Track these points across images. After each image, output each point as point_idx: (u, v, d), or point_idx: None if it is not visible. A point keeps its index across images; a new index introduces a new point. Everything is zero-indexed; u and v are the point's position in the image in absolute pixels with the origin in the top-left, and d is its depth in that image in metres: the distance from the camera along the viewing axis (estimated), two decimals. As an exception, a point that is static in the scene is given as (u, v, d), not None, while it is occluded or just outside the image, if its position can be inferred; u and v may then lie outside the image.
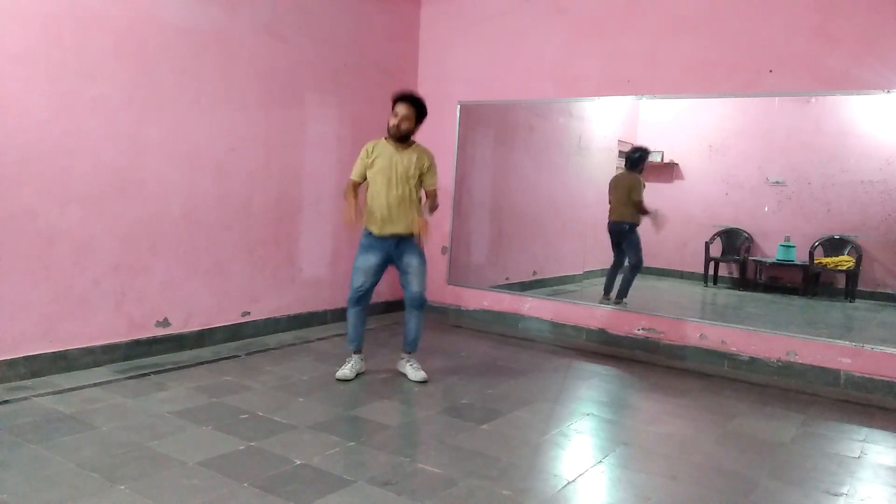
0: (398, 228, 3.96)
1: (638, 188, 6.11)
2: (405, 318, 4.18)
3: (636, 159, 6.18)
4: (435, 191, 4.12)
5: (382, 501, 2.56)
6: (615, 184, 6.21)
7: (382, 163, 3.96)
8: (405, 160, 3.97)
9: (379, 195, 3.95)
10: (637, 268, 6.01)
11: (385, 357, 4.69)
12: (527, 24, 5.64)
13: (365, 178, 4.02)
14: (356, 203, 3.89)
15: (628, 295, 5.93)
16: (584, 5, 5.39)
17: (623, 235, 6.04)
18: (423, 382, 4.08)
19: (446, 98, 6.10)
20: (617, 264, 6.10)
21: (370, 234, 4.01)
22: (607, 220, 6.17)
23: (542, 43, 5.58)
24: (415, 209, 4.01)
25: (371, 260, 4.01)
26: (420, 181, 4.04)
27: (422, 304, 4.11)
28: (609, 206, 6.19)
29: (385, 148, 4.00)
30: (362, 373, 4.20)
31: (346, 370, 4.08)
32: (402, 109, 3.92)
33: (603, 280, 6.22)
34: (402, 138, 3.97)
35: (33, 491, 2.49)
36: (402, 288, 4.13)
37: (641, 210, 6.08)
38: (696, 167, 7.28)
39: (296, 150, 5.15)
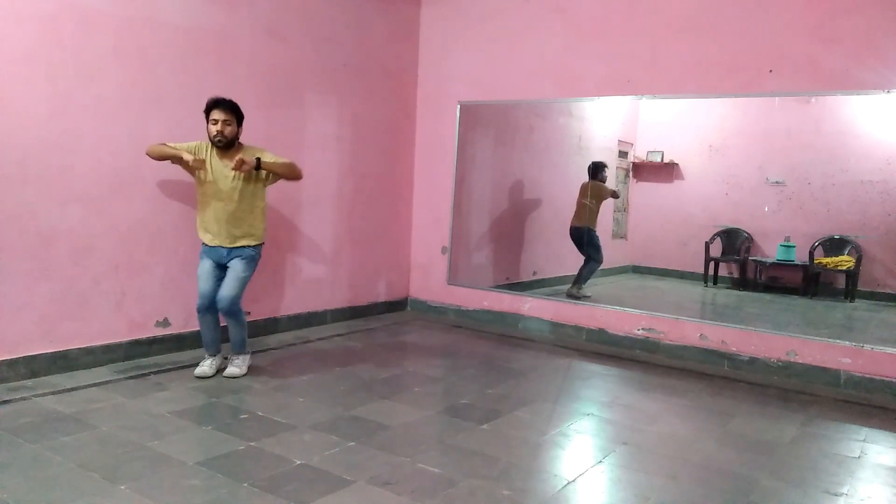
0: (226, 241, 3.94)
1: (600, 195, 6.57)
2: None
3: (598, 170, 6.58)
4: (283, 163, 4.05)
5: (382, 501, 2.56)
6: (596, 192, 6.50)
7: (213, 174, 3.87)
8: (230, 171, 3.88)
9: (207, 208, 3.92)
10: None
11: (385, 357, 4.69)
12: (527, 24, 5.64)
13: (176, 158, 3.84)
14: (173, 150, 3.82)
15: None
16: (584, 5, 5.39)
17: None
18: (236, 377, 3.97)
19: (446, 98, 6.10)
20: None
21: (204, 245, 3.99)
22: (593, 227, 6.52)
23: (542, 43, 5.58)
24: (253, 218, 4.01)
25: (206, 265, 3.97)
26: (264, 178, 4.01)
27: (228, 310, 3.95)
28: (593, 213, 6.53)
29: (213, 157, 3.90)
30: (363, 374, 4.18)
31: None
32: (220, 115, 3.82)
33: (602, 279, 6.24)
34: (228, 145, 3.89)
35: (33, 491, 2.49)
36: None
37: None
38: (696, 167, 7.29)
39: (296, 150, 5.14)
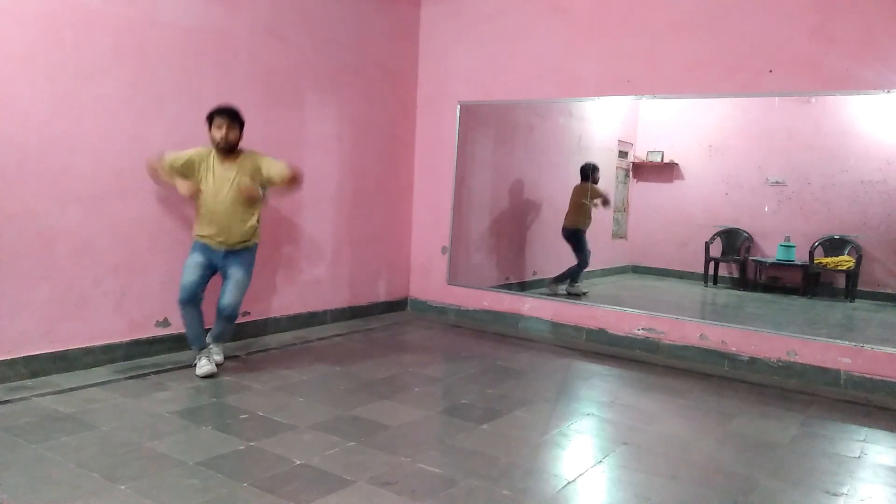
0: (228, 242, 3.99)
1: (580, 194, 6.55)
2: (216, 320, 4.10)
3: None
4: (280, 174, 4.05)
5: (382, 501, 2.56)
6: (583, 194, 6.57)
7: (216, 179, 3.95)
8: (239, 173, 3.98)
9: (212, 210, 3.95)
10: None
11: (385, 357, 4.69)
12: (527, 24, 5.64)
13: (179, 173, 3.92)
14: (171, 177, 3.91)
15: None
16: (584, 5, 5.39)
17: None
18: (208, 377, 3.95)
19: (446, 98, 6.10)
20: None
21: (200, 239, 4.01)
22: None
23: (542, 43, 5.58)
24: (251, 219, 4.06)
25: (198, 258, 3.99)
26: (264, 182, 4.08)
27: (230, 317, 4.08)
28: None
29: (214, 163, 3.98)
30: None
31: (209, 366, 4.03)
32: (223, 121, 3.92)
33: (602, 279, 6.23)
34: (231, 150, 3.98)
35: (33, 491, 2.49)
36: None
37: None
38: (696, 167, 7.29)
39: (296, 150, 5.14)
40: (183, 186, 3.91)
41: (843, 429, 3.71)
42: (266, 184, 4.09)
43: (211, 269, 4.04)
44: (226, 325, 4.13)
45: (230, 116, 3.95)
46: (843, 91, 4.54)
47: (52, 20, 3.67)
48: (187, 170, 3.93)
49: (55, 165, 3.75)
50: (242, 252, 4.07)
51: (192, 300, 3.97)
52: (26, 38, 3.58)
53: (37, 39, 3.62)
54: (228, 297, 4.01)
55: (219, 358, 4.16)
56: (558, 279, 6.32)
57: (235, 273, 4.03)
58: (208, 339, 4.13)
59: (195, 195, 3.94)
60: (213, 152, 4.00)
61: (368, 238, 5.91)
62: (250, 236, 4.08)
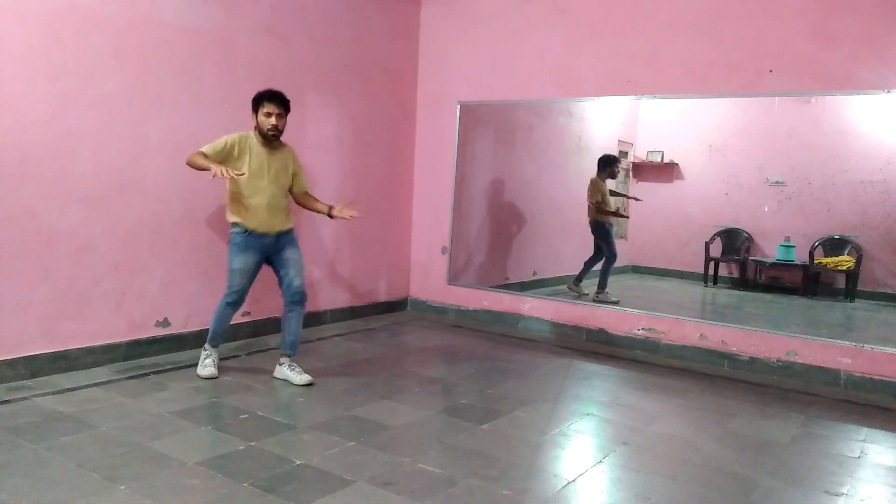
0: (277, 226, 3.93)
1: (592, 192, 6.39)
2: (284, 317, 4.01)
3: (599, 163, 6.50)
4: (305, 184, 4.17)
5: (382, 501, 2.56)
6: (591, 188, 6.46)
7: (255, 163, 3.84)
8: (278, 161, 3.95)
9: (255, 195, 3.84)
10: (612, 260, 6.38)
11: (385, 357, 4.69)
12: (527, 24, 5.64)
13: (217, 160, 3.72)
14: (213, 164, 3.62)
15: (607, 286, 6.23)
16: (584, 5, 5.39)
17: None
18: (310, 385, 3.91)
19: (446, 98, 6.10)
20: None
21: (246, 231, 3.86)
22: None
23: (542, 43, 5.58)
24: (287, 210, 4.04)
25: (250, 260, 3.90)
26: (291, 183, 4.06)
27: (304, 298, 4.01)
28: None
29: (255, 146, 3.88)
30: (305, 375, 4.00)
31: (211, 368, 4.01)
32: (275, 108, 3.84)
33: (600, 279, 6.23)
34: (278, 137, 3.93)
35: (33, 491, 2.49)
36: (280, 284, 4.00)
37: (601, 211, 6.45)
38: (696, 167, 7.30)
39: (296, 150, 5.13)
40: (216, 169, 3.59)
41: (843, 429, 3.71)
42: (291, 182, 4.08)
43: (261, 264, 3.98)
44: (300, 316, 4.00)
45: (282, 104, 3.88)
46: (843, 91, 4.54)
47: (52, 20, 3.67)
48: (227, 157, 3.79)
49: (55, 165, 3.75)
50: (290, 233, 4.02)
51: (241, 302, 4.00)
52: (26, 38, 3.58)
53: (37, 39, 3.62)
54: (298, 279, 3.95)
55: (305, 377, 3.92)
56: (601, 285, 6.15)
57: (293, 254, 3.98)
58: (288, 350, 4.00)
59: (230, 178, 3.64)
60: (252, 137, 3.89)
61: (368, 238, 5.91)
62: (292, 221, 4.05)
